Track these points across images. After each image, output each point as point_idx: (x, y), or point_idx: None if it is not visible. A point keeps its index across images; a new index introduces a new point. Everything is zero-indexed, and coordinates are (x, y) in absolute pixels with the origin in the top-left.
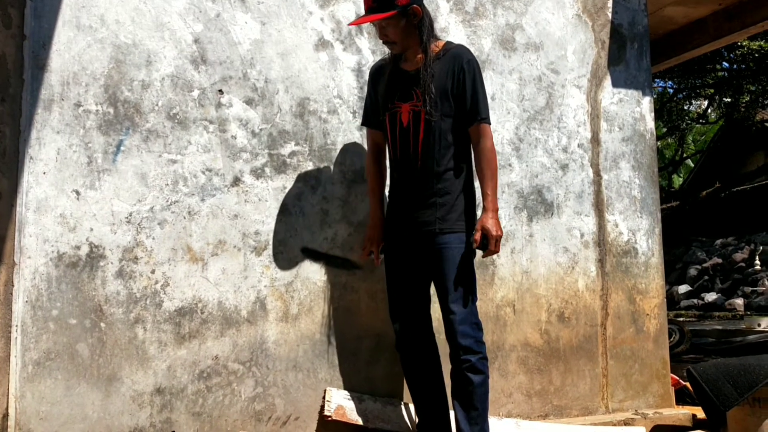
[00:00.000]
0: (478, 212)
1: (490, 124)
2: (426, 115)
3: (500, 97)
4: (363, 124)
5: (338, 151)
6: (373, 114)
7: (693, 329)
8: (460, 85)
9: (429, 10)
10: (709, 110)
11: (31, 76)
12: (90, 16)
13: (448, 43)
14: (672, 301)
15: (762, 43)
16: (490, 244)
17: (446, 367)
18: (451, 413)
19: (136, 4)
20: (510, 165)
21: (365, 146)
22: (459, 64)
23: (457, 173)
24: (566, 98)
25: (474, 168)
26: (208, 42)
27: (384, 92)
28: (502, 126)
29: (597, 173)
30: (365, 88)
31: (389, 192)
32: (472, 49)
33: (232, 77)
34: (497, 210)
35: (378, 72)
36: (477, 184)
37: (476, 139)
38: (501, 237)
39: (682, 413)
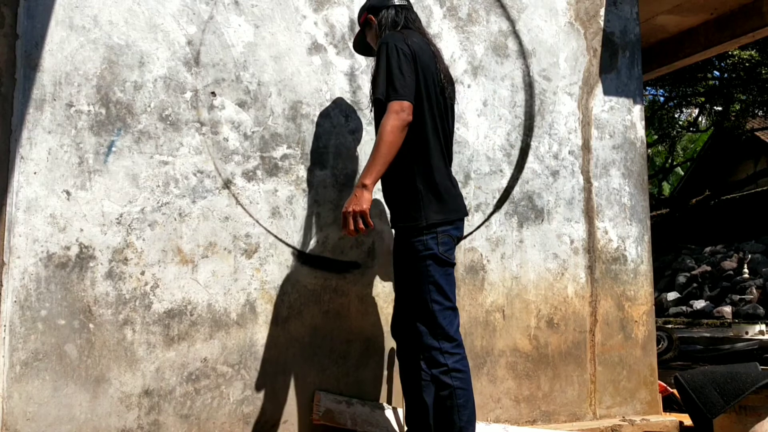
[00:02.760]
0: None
1: (392, 100)
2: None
3: (492, 104)
4: None
5: (330, 154)
6: None
7: (681, 336)
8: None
9: (423, 16)
10: (700, 118)
11: (23, 75)
12: (83, 16)
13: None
14: (661, 308)
15: (752, 52)
16: (342, 220)
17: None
18: None
19: (130, 5)
20: (501, 171)
21: (357, 150)
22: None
23: (398, 163)
24: (558, 105)
25: (416, 157)
26: (201, 44)
27: None
28: (494, 132)
29: (587, 180)
30: (358, 93)
31: None
32: (464, 55)
33: (225, 79)
34: (364, 185)
35: None
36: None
37: None
38: (354, 213)
39: (669, 420)
